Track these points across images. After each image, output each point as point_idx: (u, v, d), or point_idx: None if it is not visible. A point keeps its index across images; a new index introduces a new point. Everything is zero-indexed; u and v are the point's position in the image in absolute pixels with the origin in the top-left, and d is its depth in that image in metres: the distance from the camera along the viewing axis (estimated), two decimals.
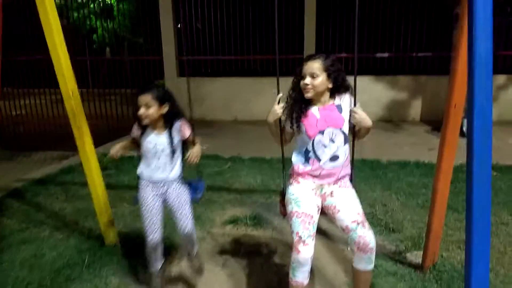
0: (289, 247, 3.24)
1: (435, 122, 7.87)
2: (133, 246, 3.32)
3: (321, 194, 2.26)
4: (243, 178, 4.99)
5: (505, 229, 3.45)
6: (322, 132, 2.15)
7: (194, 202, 2.66)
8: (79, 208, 4.13)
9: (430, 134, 7.44)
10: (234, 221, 3.75)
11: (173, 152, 2.44)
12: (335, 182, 2.26)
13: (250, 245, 3.34)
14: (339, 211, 2.15)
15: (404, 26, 8.63)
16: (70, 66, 2.89)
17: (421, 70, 8.83)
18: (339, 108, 2.18)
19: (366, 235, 2.04)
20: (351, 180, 2.35)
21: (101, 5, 12.08)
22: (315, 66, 2.09)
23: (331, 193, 2.22)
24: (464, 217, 1.69)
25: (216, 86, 9.18)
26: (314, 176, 2.23)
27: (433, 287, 2.65)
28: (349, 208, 2.13)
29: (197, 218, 3.76)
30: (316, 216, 2.15)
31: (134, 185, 4.78)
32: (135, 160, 6.23)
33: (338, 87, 2.15)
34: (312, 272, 2.85)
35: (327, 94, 2.18)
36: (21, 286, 2.76)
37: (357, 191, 2.30)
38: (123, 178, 5.06)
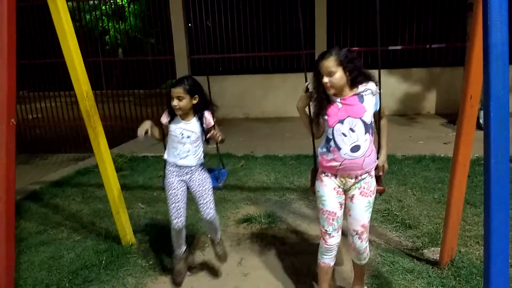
0: (305, 243, 3.25)
1: (450, 115, 7.74)
2: (149, 246, 3.35)
3: (345, 191, 2.31)
4: (256, 176, 4.99)
5: None
6: (341, 121, 2.17)
7: (216, 189, 2.85)
8: (95, 209, 4.18)
9: (445, 127, 7.32)
10: (248, 219, 3.75)
11: (197, 139, 2.64)
12: (357, 179, 2.25)
13: (265, 243, 3.33)
14: (350, 216, 2.35)
15: (417, 17, 8.49)
16: (84, 68, 2.92)
17: (435, 62, 8.68)
18: (360, 97, 2.18)
19: (358, 246, 2.33)
20: (377, 179, 2.37)
21: (113, 6, 12.19)
22: (330, 64, 2.10)
23: (352, 196, 2.29)
24: (482, 211, 1.66)
25: (227, 84, 9.19)
26: (336, 169, 2.24)
27: (451, 283, 2.61)
28: (356, 218, 2.31)
29: None
30: (340, 211, 2.33)
31: (149, 186, 4.86)
32: (149, 161, 6.30)
33: (356, 77, 2.16)
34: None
35: (347, 86, 2.19)
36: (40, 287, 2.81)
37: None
38: (138, 179, 5.10)
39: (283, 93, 8.88)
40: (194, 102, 2.57)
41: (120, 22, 12.78)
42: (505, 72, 1.56)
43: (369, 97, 2.19)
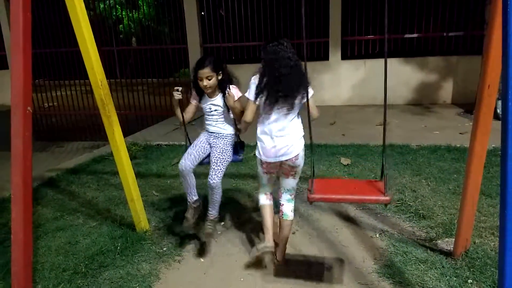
0: (318, 232, 3.25)
1: (467, 105, 7.60)
2: (163, 233, 3.40)
3: None
4: None
5: None
6: None
7: (236, 161, 3.13)
8: (110, 196, 4.25)
9: (462, 117, 7.19)
10: None
11: (223, 112, 2.94)
12: None
13: (277, 232, 3.35)
14: None
15: (434, 4, 8.31)
16: (99, 57, 2.94)
17: (452, 50, 8.50)
18: None
19: None
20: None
21: None
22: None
23: None
24: (498, 202, 1.63)
25: (241, 73, 9.11)
26: None
27: (465, 274, 2.59)
28: None
29: (223, 205, 3.80)
30: None
31: (162, 174, 4.90)
32: (163, 149, 6.34)
33: None
34: (340, 258, 2.85)
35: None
36: (57, 272, 2.88)
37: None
38: (152, 167, 5.15)
39: None
40: (219, 78, 2.83)
41: (134, 10, 12.80)
42: None
43: None
